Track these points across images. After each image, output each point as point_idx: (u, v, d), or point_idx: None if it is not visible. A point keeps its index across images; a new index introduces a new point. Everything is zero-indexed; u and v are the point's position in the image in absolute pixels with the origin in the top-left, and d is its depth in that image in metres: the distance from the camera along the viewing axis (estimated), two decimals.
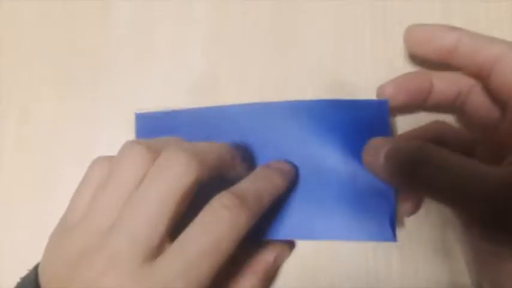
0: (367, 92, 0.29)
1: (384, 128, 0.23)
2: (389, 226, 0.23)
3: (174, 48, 0.30)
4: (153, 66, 0.30)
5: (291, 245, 0.27)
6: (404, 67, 0.29)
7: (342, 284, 0.27)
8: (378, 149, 0.21)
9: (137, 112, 0.28)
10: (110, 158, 0.21)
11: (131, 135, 0.29)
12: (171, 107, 0.30)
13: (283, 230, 0.24)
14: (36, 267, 0.21)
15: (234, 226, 0.19)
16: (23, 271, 0.28)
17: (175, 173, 0.19)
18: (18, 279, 0.22)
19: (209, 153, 0.21)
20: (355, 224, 0.24)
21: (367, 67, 0.29)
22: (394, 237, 0.23)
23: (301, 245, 0.27)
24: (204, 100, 0.30)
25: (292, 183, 0.24)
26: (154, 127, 0.27)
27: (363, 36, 0.30)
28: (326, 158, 0.24)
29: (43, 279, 0.20)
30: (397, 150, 0.20)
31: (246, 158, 0.24)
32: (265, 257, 0.24)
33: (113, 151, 0.29)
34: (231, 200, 0.19)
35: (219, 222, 0.19)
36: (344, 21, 0.30)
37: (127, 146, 0.21)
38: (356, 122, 0.24)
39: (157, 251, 0.18)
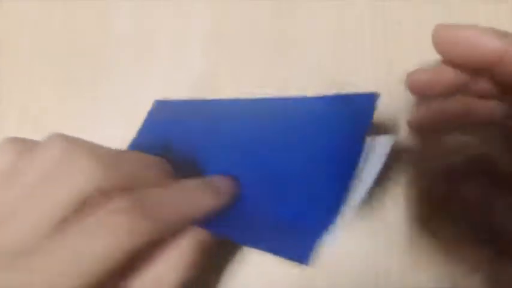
0: None
1: (365, 122, 0.20)
2: (308, 248, 0.19)
3: (174, 48, 0.31)
4: (153, 66, 0.30)
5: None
6: (404, 67, 0.29)
7: (340, 283, 0.27)
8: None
9: (157, 100, 0.27)
10: (21, 148, 0.19)
11: (131, 136, 0.30)
12: None
13: (220, 223, 0.20)
14: None
15: (119, 241, 0.16)
16: None
17: (74, 181, 0.17)
18: None
19: (125, 165, 0.18)
20: (280, 234, 0.20)
21: (367, 67, 0.29)
22: (307, 261, 0.18)
23: None
24: None
25: (228, 203, 0.20)
26: (166, 112, 0.26)
27: (363, 36, 0.30)
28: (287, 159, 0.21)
29: None
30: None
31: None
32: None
33: None
34: (133, 203, 0.17)
35: (100, 233, 0.16)
36: (344, 21, 0.30)
37: (50, 139, 0.19)
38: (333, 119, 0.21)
39: (34, 249, 0.16)
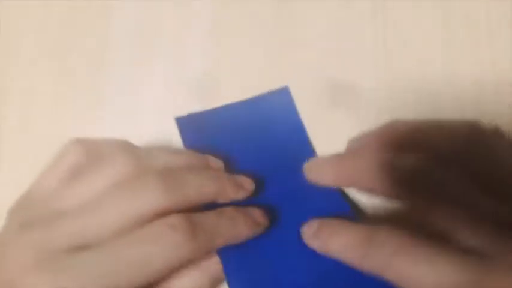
0: (367, 92, 0.29)
1: (293, 116, 0.26)
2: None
3: (174, 48, 0.31)
4: (154, 66, 0.30)
5: None
6: (404, 67, 0.29)
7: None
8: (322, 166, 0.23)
9: (177, 117, 0.28)
10: (88, 147, 0.22)
11: (131, 136, 0.29)
12: (171, 107, 0.30)
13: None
14: None
15: (172, 252, 0.18)
16: None
17: (143, 198, 0.19)
18: None
19: (190, 186, 0.21)
20: None
21: (367, 67, 0.29)
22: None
23: None
24: (204, 100, 0.30)
25: (259, 233, 0.22)
26: (196, 128, 0.27)
27: (363, 36, 0.30)
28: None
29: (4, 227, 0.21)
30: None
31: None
32: (214, 263, 0.21)
33: None
34: (183, 225, 0.19)
35: (157, 242, 0.18)
36: (344, 21, 0.30)
37: (118, 150, 0.21)
38: (266, 119, 0.27)
39: (83, 250, 0.19)
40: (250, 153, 0.26)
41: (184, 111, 0.30)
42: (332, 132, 0.28)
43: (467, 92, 0.29)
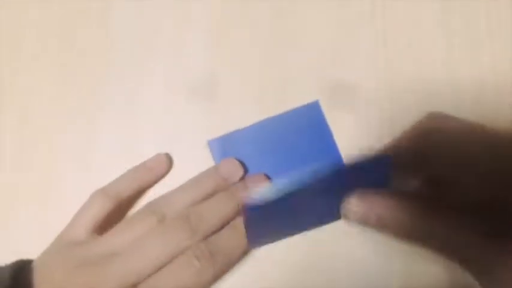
0: (367, 92, 0.29)
1: (324, 131, 0.27)
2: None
3: (174, 48, 0.30)
4: (153, 66, 0.30)
5: None
6: (404, 67, 0.29)
7: (341, 283, 0.27)
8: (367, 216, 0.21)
9: (209, 140, 0.29)
10: (161, 218, 0.25)
11: (130, 136, 0.29)
12: (171, 107, 0.30)
13: None
14: (14, 265, 0.24)
15: (199, 278, 0.23)
16: None
17: (174, 241, 0.24)
18: None
19: (209, 220, 0.25)
20: None
21: (367, 67, 0.29)
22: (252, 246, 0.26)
23: (300, 240, 0.27)
24: (204, 100, 0.30)
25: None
26: (228, 150, 0.29)
27: (362, 35, 0.30)
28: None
29: (37, 277, 0.23)
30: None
31: None
32: None
33: (112, 150, 0.29)
34: (204, 253, 0.23)
35: (186, 270, 0.23)
36: (344, 21, 0.30)
37: (190, 229, 0.24)
38: (300, 130, 0.28)
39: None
40: (282, 170, 0.28)
41: (184, 111, 0.30)
42: (332, 132, 0.28)
43: (467, 92, 0.29)
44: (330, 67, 0.30)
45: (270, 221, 0.24)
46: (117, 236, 0.24)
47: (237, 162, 0.27)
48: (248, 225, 0.23)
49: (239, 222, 0.26)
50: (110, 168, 0.29)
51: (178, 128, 0.29)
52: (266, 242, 0.26)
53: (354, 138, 0.28)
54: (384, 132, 0.28)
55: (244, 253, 0.26)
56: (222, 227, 0.25)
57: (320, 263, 0.27)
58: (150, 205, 0.26)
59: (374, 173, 0.21)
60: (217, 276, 0.24)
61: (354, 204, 0.20)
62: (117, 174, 0.28)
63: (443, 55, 0.29)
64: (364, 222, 0.20)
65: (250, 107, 0.29)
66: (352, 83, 0.28)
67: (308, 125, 0.28)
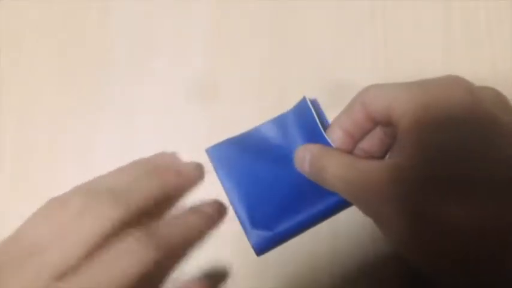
0: None
1: (314, 126, 0.26)
2: (264, 241, 0.26)
3: (174, 48, 0.31)
4: (153, 66, 0.30)
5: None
6: (404, 67, 0.29)
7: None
8: (302, 160, 0.25)
9: (208, 148, 0.28)
10: (65, 201, 0.23)
11: (130, 136, 0.30)
12: (171, 107, 0.30)
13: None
14: None
15: (140, 258, 0.20)
16: None
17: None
18: None
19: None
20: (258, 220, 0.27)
21: (367, 67, 0.29)
22: (258, 251, 0.26)
23: (300, 241, 0.27)
24: (204, 100, 0.30)
25: (218, 223, 0.25)
26: (227, 156, 0.28)
27: (362, 36, 0.30)
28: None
29: None
30: (310, 160, 0.25)
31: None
32: None
33: (112, 150, 0.29)
34: (142, 235, 0.21)
35: (126, 252, 0.20)
36: (344, 21, 0.30)
37: (113, 199, 0.22)
38: (294, 131, 0.28)
39: (69, 275, 0.20)
40: (281, 174, 0.27)
41: (184, 111, 0.30)
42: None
43: None
44: (330, 67, 0.30)
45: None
46: (33, 229, 0.22)
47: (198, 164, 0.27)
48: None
49: (185, 211, 0.24)
50: (109, 168, 0.29)
51: (178, 128, 0.29)
52: (272, 246, 0.27)
53: None
54: None
55: (192, 239, 0.24)
56: (148, 207, 0.23)
57: (320, 263, 0.28)
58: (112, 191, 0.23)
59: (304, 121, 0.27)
60: (161, 258, 0.21)
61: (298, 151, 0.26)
62: None
63: (443, 55, 0.29)
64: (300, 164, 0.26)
65: (250, 107, 0.29)
66: (352, 83, 0.28)
67: (301, 124, 0.28)
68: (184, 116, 0.30)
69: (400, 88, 0.22)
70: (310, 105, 0.27)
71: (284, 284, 0.27)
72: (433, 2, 0.30)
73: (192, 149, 0.29)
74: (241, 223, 0.27)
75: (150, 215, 0.23)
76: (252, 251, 0.27)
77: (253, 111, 0.29)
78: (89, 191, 0.23)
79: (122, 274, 0.20)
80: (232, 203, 0.28)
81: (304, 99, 0.27)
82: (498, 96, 0.22)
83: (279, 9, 0.30)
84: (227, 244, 0.28)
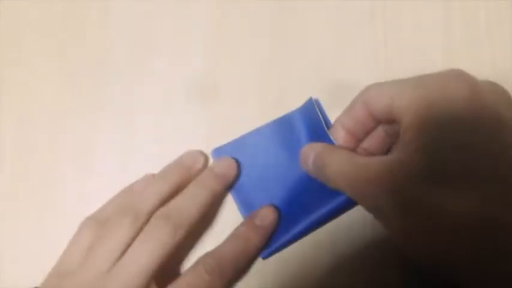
0: None
1: (318, 126, 0.26)
2: (272, 246, 0.27)
3: (174, 48, 0.30)
4: (153, 66, 0.30)
5: None
6: (404, 67, 0.29)
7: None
8: (306, 158, 0.26)
9: (213, 150, 0.28)
10: (98, 222, 0.26)
11: (130, 136, 0.29)
12: (171, 107, 0.30)
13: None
14: None
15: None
16: (22, 269, 0.28)
17: (159, 241, 0.24)
18: (17, 280, 0.23)
19: (190, 213, 0.25)
20: None
21: (367, 67, 0.29)
22: (263, 255, 0.27)
23: (300, 241, 0.27)
24: (204, 100, 0.30)
25: (272, 230, 0.27)
26: (232, 158, 0.28)
27: (363, 36, 0.30)
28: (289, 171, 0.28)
29: None
30: (313, 158, 0.25)
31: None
32: None
33: (112, 150, 0.29)
34: (212, 266, 0.24)
35: (199, 284, 0.24)
36: (344, 21, 0.30)
37: (115, 215, 0.25)
38: (299, 131, 0.28)
39: None
40: (286, 173, 0.28)
41: (184, 111, 0.30)
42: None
43: None
44: (330, 67, 0.30)
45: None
46: (101, 253, 0.24)
47: (198, 151, 0.28)
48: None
49: (241, 227, 0.27)
50: (109, 168, 0.29)
51: (178, 128, 0.29)
52: (278, 249, 0.27)
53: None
54: None
55: (250, 261, 0.27)
56: (200, 218, 0.25)
57: (320, 263, 0.28)
58: (120, 206, 0.26)
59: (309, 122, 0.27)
60: (226, 285, 0.25)
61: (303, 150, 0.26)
62: (117, 174, 0.28)
63: (443, 55, 0.29)
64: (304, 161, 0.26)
65: (251, 107, 0.29)
66: (352, 83, 0.28)
67: (306, 125, 0.28)
68: (184, 116, 0.30)
69: (402, 85, 0.22)
70: (316, 107, 0.27)
71: (284, 284, 0.27)
72: (433, 2, 0.30)
73: (192, 149, 0.29)
74: None
75: None
76: None
77: (253, 111, 0.29)
78: (142, 213, 0.25)
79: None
80: (238, 205, 0.28)
81: (310, 100, 0.27)
82: (501, 92, 0.22)
83: (279, 9, 0.30)
84: None
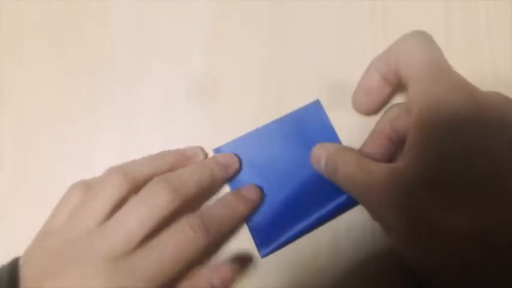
0: None
1: (326, 126, 0.28)
2: (272, 244, 0.27)
3: (174, 48, 0.30)
4: (153, 66, 0.30)
5: (231, 266, 0.26)
6: None
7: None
8: (318, 158, 0.26)
9: (214, 148, 0.28)
10: (87, 184, 0.25)
11: (130, 136, 0.29)
12: (171, 107, 0.30)
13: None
14: (11, 263, 0.23)
15: (195, 245, 0.23)
16: None
17: (157, 204, 0.23)
18: None
19: (189, 183, 0.25)
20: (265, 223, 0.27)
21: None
22: (262, 253, 0.27)
23: (300, 241, 0.27)
24: (204, 100, 0.30)
25: (256, 208, 0.27)
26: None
27: (363, 36, 0.30)
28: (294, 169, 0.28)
29: (24, 269, 0.23)
30: (326, 159, 0.25)
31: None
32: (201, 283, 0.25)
33: (112, 150, 0.29)
34: (198, 224, 0.24)
35: (183, 238, 0.23)
36: (344, 21, 0.30)
37: (103, 176, 0.25)
38: (304, 130, 0.28)
39: (128, 255, 0.22)
40: (285, 173, 0.28)
41: (184, 111, 0.30)
42: (335, 129, 0.28)
43: None
44: (330, 67, 0.30)
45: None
46: (87, 212, 0.24)
47: (199, 147, 0.29)
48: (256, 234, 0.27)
49: (229, 195, 0.27)
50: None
51: (178, 128, 0.29)
52: (277, 247, 0.27)
53: (354, 138, 0.28)
54: None
55: (236, 226, 0.27)
56: (199, 195, 0.25)
57: (320, 263, 0.28)
58: (117, 168, 0.25)
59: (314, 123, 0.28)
60: (210, 245, 0.24)
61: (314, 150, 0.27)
62: None
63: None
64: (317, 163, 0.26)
65: (251, 107, 0.29)
66: (352, 83, 0.28)
67: (311, 125, 0.28)
68: (184, 116, 0.30)
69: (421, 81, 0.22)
70: (323, 107, 0.27)
71: (284, 284, 0.27)
72: (433, 2, 0.30)
73: None
74: (247, 224, 0.27)
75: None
76: (252, 251, 0.27)
77: (253, 111, 0.29)
78: (136, 175, 0.25)
79: (177, 253, 0.23)
80: None
81: (317, 101, 0.28)
82: (504, 102, 0.22)
83: (279, 9, 0.30)
84: (228, 244, 0.28)
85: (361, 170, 0.22)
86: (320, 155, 0.26)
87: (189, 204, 0.24)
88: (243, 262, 0.27)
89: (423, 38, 0.23)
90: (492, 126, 0.20)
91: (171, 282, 0.23)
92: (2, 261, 0.24)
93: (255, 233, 0.27)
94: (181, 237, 0.23)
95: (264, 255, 0.27)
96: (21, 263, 0.23)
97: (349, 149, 0.25)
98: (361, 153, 0.26)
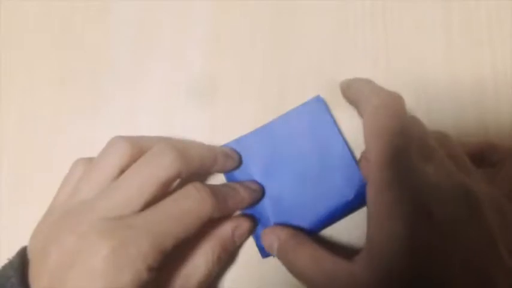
0: None
1: (329, 125, 0.28)
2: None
3: (174, 48, 0.31)
4: (153, 66, 0.30)
5: (249, 218, 0.27)
6: (404, 67, 0.29)
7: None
8: (269, 246, 0.25)
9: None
10: (90, 158, 0.25)
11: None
12: (171, 107, 0.30)
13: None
14: (19, 252, 0.23)
15: (200, 205, 0.22)
16: None
17: (160, 164, 0.22)
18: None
19: (193, 154, 0.24)
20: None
21: (367, 67, 0.29)
22: (264, 254, 0.27)
23: None
24: (204, 100, 0.30)
25: (257, 200, 0.27)
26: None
27: (363, 36, 0.30)
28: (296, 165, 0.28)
29: (29, 245, 0.23)
30: (278, 248, 0.25)
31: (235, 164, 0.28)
32: (223, 230, 0.26)
33: None
34: (205, 189, 0.23)
35: (190, 200, 0.22)
36: (344, 21, 0.30)
37: (111, 140, 0.24)
38: (306, 126, 0.28)
39: (129, 216, 0.21)
40: (291, 171, 0.27)
41: (184, 111, 0.30)
42: (337, 126, 0.28)
43: (467, 92, 0.29)
44: (330, 67, 0.30)
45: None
46: (88, 181, 0.23)
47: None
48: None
49: (233, 183, 0.27)
50: None
51: (178, 128, 0.30)
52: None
53: (354, 138, 0.28)
54: None
55: (237, 209, 0.26)
56: (199, 172, 0.25)
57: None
58: (119, 137, 0.25)
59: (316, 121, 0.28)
60: (216, 215, 0.23)
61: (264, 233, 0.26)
62: None
63: (443, 55, 0.29)
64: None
65: (251, 107, 0.29)
66: None
67: (313, 121, 0.28)
68: (184, 116, 0.30)
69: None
70: (326, 104, 0.27)
71: (284, 284, 0.27)
72: (433, 2, 0.30)
73: None
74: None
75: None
76: (253, 251, 0.27)
77: (253, 111, 0.29)
78: (143, 144, 0.24)
79: (183, 213, 0.22)
80: None
81: (318, 97, 0.28)
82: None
83: (279, 9, 0.30)
84: None
85: (320, 271, 0.22)
86: (270, 243, 0.25)
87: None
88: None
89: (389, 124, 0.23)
90: (446, 241, 0.19)
91: (174, 249, 0.22)
92: (2, 260, 0.24)
93: (257, 235, 0.27)
94: (188, 200, 0.22)
95: (265, 256, 0.27)
96: (29, 244, 0.23)
97: (302, 240, 0.24)
98: (363, 156, 0.26)
